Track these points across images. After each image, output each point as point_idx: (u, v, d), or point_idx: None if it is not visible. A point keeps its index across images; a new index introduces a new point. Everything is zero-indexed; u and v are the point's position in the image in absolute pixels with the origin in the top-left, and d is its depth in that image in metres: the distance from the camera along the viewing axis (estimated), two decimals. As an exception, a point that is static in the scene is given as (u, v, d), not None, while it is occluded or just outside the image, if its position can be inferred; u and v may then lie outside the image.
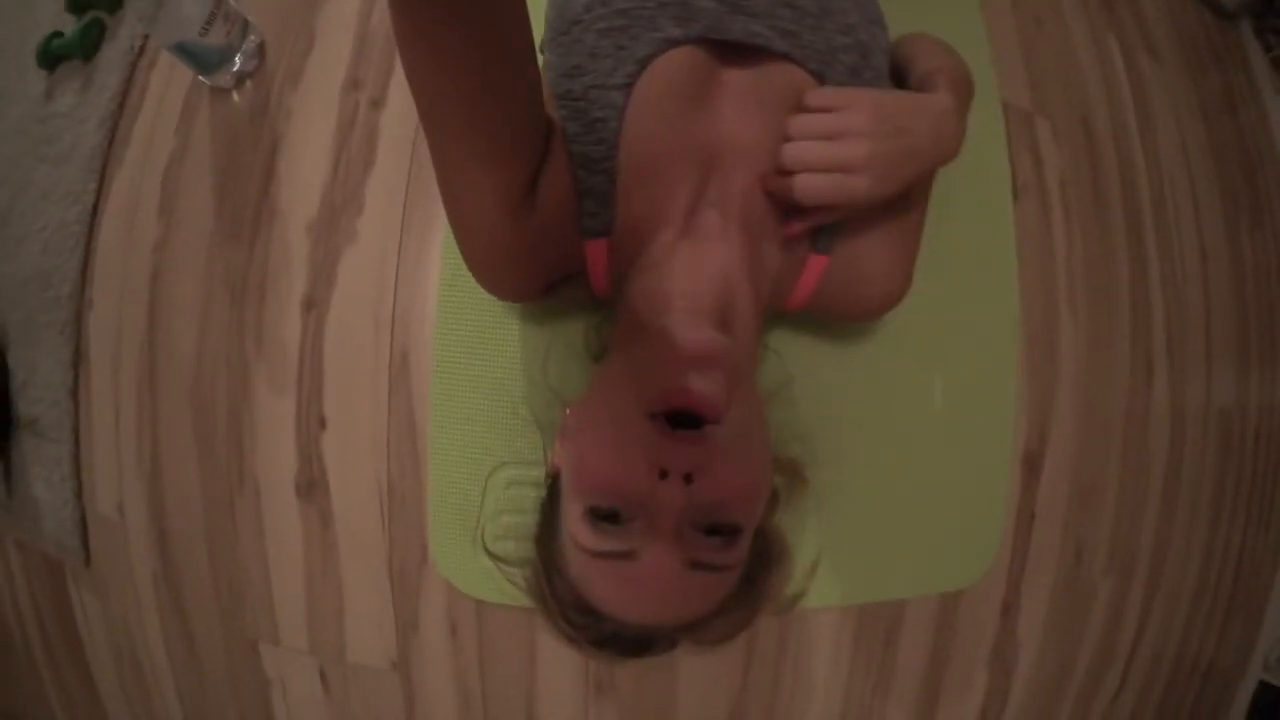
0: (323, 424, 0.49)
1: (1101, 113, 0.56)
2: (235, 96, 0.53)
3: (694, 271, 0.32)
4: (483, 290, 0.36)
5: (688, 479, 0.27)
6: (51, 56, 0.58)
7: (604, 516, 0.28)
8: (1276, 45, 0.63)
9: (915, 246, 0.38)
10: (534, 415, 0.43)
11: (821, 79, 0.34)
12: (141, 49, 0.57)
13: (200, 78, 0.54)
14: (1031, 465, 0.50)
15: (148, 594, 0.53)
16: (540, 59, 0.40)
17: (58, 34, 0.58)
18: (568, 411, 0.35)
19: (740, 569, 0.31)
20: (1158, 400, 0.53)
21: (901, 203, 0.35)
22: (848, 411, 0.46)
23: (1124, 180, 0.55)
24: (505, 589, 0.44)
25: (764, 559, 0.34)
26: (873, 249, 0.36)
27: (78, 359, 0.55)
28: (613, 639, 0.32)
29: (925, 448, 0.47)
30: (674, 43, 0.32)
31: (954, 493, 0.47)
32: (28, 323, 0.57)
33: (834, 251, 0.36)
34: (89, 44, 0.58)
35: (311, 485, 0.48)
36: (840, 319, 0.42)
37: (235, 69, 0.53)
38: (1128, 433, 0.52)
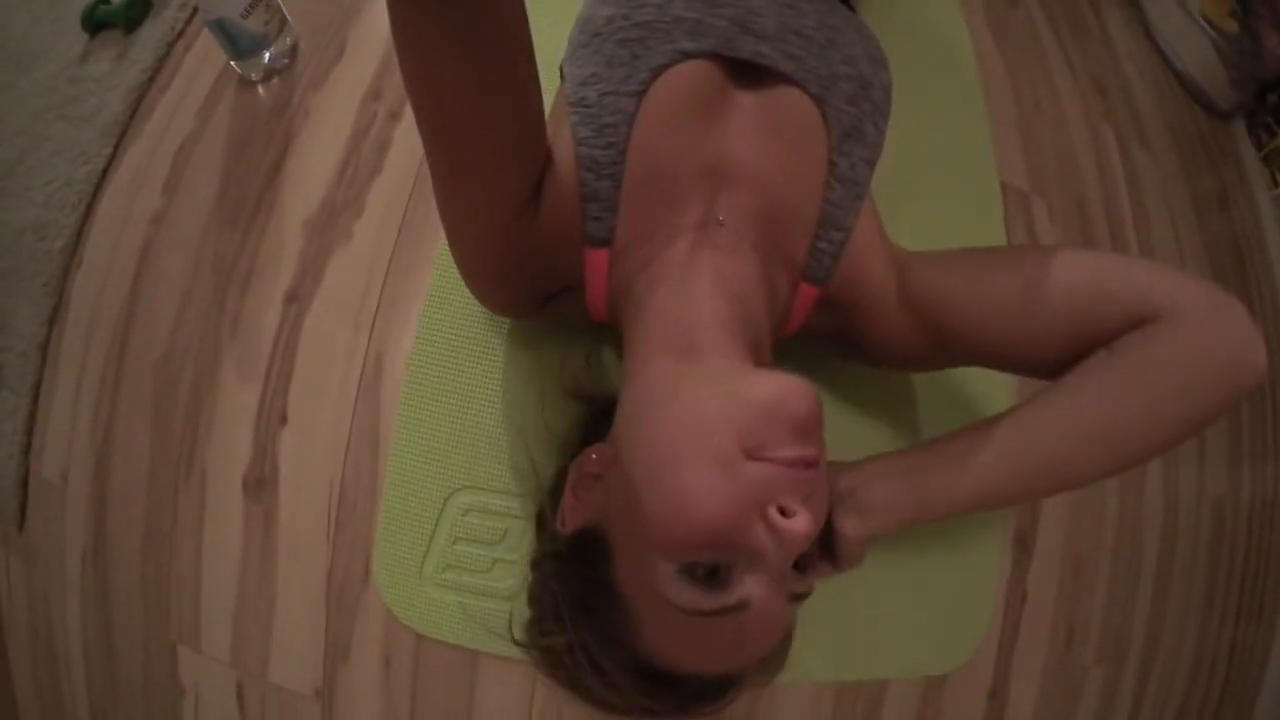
0: (283, 419, 0.47)
1: (1096, 197, 0.58)
2: (260, 90, 0.55)
3: (718, 293, 0.32)
4: (470, 303, 0.36)
5: (784, 512, 0.26)
6: (95, 22, 0.60)
7: (708, 572, 0.26)
8: (1269, 142, 0.65)
9: (921, 366, 0.38)
10: (530, 455, 0.40)
11: (821, 103, 0.34)
12: (181, 32, 0.59)
13: (232, 63, 0.55)
14: (1023, 543, 0.48)
15: (74, 570, 0.50)
16: (559, 80, 0.40)
17: (104, 1, 0.60)
18: (593, 456, 0.32)
19: None
20: (1150, 483, 0.52)
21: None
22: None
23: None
24: (448, 625, 0.42)
25: None
26: (881, 315, 0.35)
27: (55, 315, 0.54)
28: (675, 698, 0.28)
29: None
30: (687, 55, 0.33)
31: (941, 570, 0.45)
32: (15, 271, 0.57)
33: (830, 284, 0.35)
34: (133, 17, 0.59)
35: (261, 483, 0.47)
36: (838, 352, 0.40)
37: (266, 61, 0.54)
38: (1121, 514, 0.51)
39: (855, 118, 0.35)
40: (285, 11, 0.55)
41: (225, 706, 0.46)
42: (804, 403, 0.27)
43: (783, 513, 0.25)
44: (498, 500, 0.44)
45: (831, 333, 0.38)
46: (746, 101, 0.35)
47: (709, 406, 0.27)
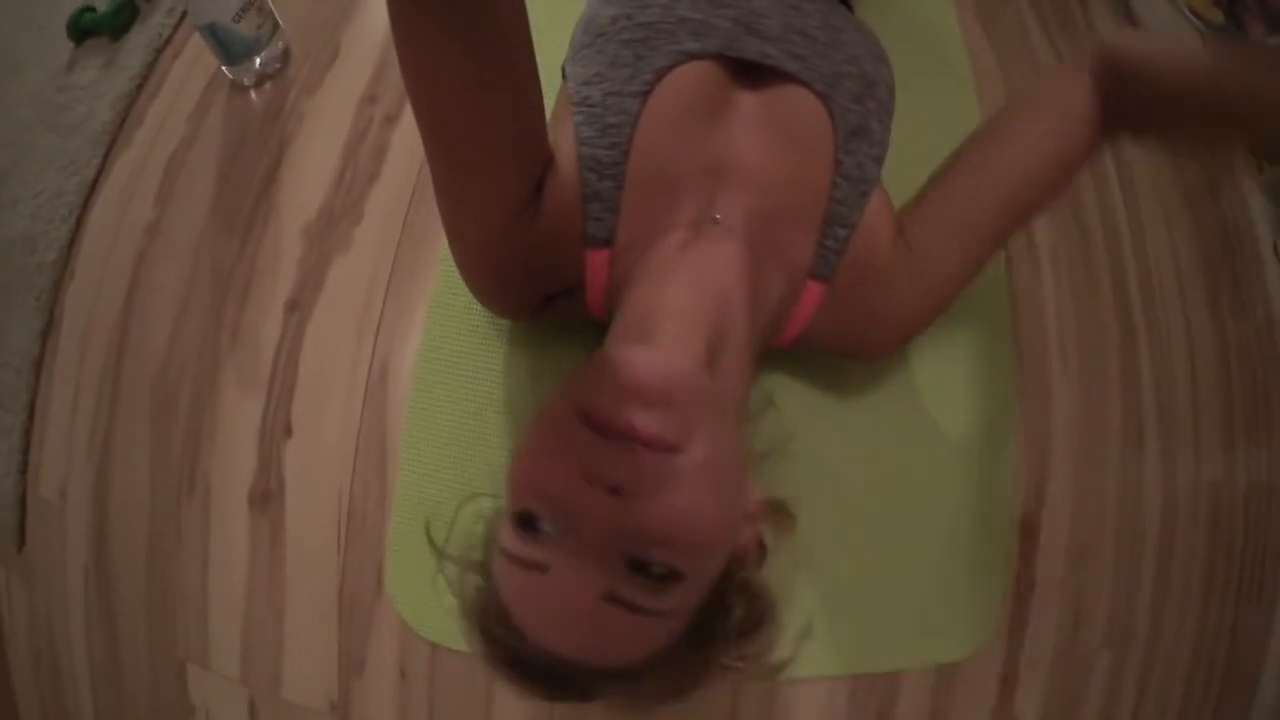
0: (288, 431, 0.47)
1: (1088, 187, 0.58)
2: (253, 95, 0.54)
3: (693, 287, 0.31)
4: (475, 308, 0.36)
5: (614, 491, 0.24)
6: (81, 30, 0.59)
7: (528, 522, 0.25)
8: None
9: (942, 296, 0.37)
10: (517, 433, 0.41)
11: (827, 101, 0.34)
12: (169, 38, 0.58)
13: (223, 68, 0.54)
14: (1028, 530, 0.48)
15: (76, 589, 0.50)
16: (560, 81, 0.40)
17: (90, 9, 0.59)
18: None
19: (681, 623, 0.27)
20: (1149, 470, 0.53)
21: (944, 243, 0.36)
22: (842, 473, 0.45)
23: (1110, 252, 0.56)
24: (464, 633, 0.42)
25: (750, 619, 0.30)
26: (890, 283, 0.36)
27: (48, 330, 0.53)
28: (521, 663, 0.27)
29: (923, 512, 0.46)
30: (691, 56, 0.33)
31: (953, 560, 0.46)
32: (5, 286, 0.56)
33: (836, 278, 0.36)
34: (119, 24, 0.58)
35: (267, 496, 0.46)
36: (834, 353, 0.41)
37: (258, 66, 0.53)
38: (1122, 502, 0.51)
39: (861, 115, 0.35)
40: (277, 15, 0.54)
41: (237, 724, 0.45)
42: (643, 375, 0.25)
43: (596, 482, 0.23)
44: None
45: (834, 333, 0.38)
46: (750, 102, 0.35)
47: (581, 376, 0.27)
